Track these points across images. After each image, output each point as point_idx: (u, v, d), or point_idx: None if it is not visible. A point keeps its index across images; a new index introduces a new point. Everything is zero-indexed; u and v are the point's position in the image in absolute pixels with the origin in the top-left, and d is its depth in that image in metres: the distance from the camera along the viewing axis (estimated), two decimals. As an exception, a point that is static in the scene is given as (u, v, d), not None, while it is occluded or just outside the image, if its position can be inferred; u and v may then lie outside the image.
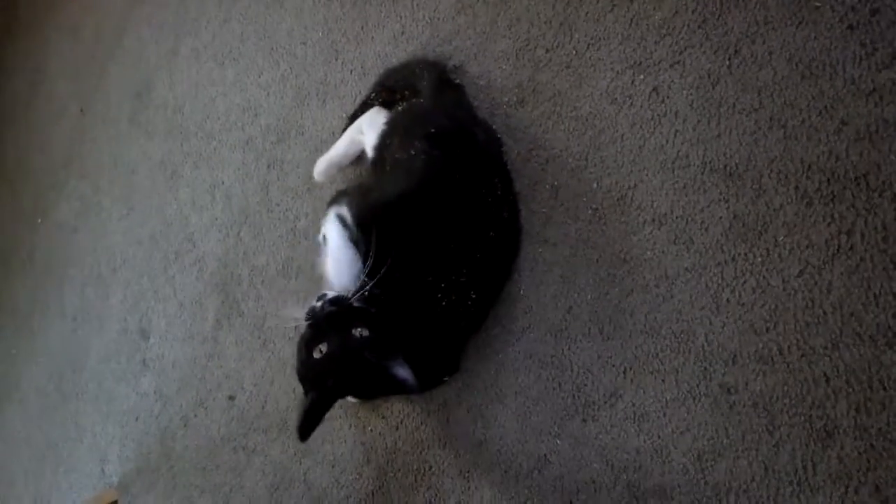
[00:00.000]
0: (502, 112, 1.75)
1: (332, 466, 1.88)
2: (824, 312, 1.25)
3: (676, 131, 1.48)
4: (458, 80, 1.84)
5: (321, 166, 2.00)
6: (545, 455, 1.54)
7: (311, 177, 2.12)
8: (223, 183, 2.45)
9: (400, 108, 1.80)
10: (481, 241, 1.58)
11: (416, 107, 1.79)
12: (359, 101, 2.03)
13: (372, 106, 1.93)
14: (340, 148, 1.95)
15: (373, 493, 1.78)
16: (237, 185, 2.40)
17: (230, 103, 2.53)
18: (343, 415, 1.89)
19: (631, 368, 1.46)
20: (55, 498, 2.73)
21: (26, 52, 3.99)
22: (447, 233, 1.57)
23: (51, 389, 2.95)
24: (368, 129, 1.82)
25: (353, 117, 1.98)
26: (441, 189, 1.59)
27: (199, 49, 2.74)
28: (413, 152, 1.62)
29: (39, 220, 3.40)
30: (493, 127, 1.75)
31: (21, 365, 3.20)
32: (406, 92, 1.88)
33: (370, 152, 1.78)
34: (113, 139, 3.07)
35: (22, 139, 3.76)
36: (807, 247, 1.29)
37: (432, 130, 1.64)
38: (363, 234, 1.61)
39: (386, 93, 1.93)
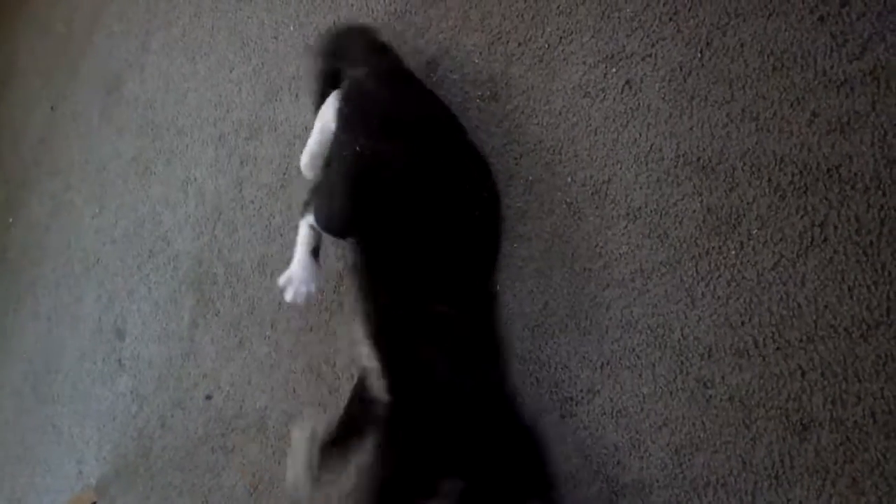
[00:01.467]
0: (475, 106, 1.74)
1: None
2: (799, 305, 1.26)
3: (649, 124, 1.47)
4: (388, 42, 1.82)
5: (305, 161, 1.98)
6: (524, 451, 1.53)
7: (284, 172, 2.10)
8: (196, 180, 2.43)
9: (343, 93, 1.74)
10: (465, 221, 1.54)
11: (355, 90, 1.72)
12: (312, 83, 1.99)
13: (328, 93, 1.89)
14: (314, 141, 1.93)
15: (351, 493, 1.78)
16: (210, 181, 2.37)
17: (202, 99, 2.50)
18: (322, 412, 1.88)
19: (608, 363, 1.45)
20: (32, 500, 2.70)
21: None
22: (426, 228, 1.52)
23: (26, 391, 2.92)
24: (331, 120, 1.79)
25: (316, 106, 1.95)
26: (401, 183, 1.54)
27: (169, 44, 2.70)
28: (358, 149, 1.57)
29: (11, 220, 3.36)
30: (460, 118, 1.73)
31: (-5, 368, 3.17)
32: (344, 62, 1.83)
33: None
34: (84, 136, 3.02)
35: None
36: (780, 240, 1.29)
37: (375, 123, 1.60)
38: (336, 235, 1.61)
39: (324, 62, 1.89)
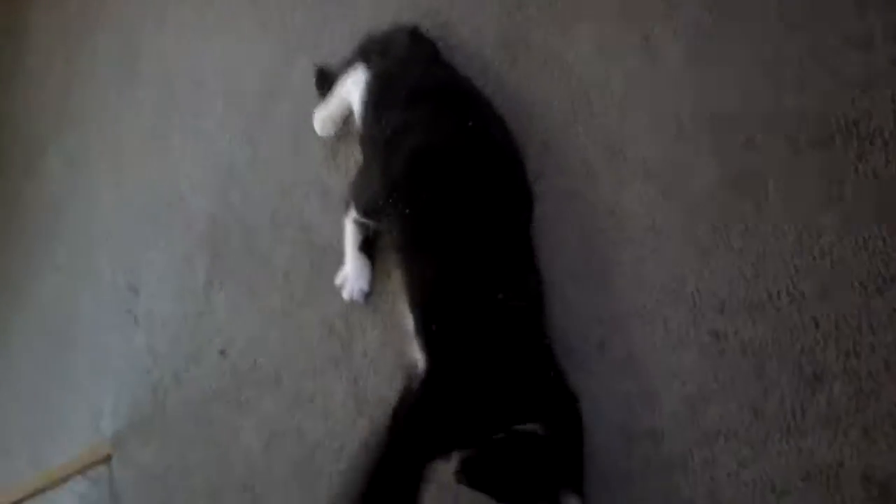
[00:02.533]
0: (494, 70, 1.75)
1: (326, 418, 1.90)
2: (814, 259, 1.27)
3: (667, 83, 1.48)
4: (427, 34, 1.84)
5: (318, 122, 2.02)
6: (536, 403, 1.55)
7: (298, 134, 2.11)
8: (212, 139, 2.44)
9: (373, 71, 1.76)
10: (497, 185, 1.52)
11: (385, 68, 1.76)
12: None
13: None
14: (332, 106, 1.95)
15: (367, 443, 1.80)
16: (225, 142, 2.38)
17: (217, 61, 2.50)
18: (335, 368, 1.90)
19: (621, 318, 1.47)
20: (49, 452, 2.73)
21: (11, 11, 3.92)
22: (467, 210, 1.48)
23: (42, 344, 2.94)
24: (353, 90, 1.81)
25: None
26: (429, 153, 1.54)
27: (186, 5, 2.70)
28: (383, 122, 1.61)
29: (28, 175, 3.37)
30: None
31: (11, 320, 3.19)
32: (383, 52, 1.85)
33: (357, 122, 1.78)
34: (100, 94, 3.03)
35: (9, 94, 3.71)
36: (797, 195, 1.30)
37: (403, 94, 1.62)
38: (376, 218, 1.65)
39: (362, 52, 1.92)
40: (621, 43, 1.55)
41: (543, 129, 1.64)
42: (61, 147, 3.19)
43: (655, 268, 1.45)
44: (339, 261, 1.93)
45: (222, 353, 2.19)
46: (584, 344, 1.50)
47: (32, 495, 2.14)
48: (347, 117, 1.95)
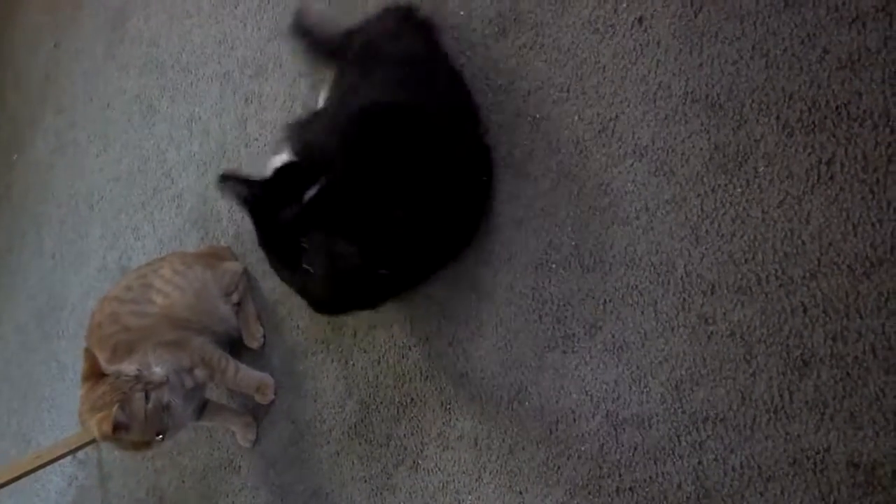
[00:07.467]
0: (482, 44, 1.72)
1: (315, 401, 1.90)
2: (803, 242, 1.26)
3: (659, 61, 1.46)
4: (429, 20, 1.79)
5: None
6: (525, 386, 1.55)
7: (289, 110, 2.10)
8: (200, 118, 2.42)
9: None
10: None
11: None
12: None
13: None
14: None
15: (355, 426, 1.80)
16: (214, 119, 2.36)
17: (206, 35, 2.48)
18: (325, 349, 1.90)
19: (610, 300, 1.46)
20: (38, 435, 2.74)
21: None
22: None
23: (31, 328, 2.94)
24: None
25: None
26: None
27: (173, -15, 2.68)
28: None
29: (15, 157, 3.35)
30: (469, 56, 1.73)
31: (1, 306, 3.19)
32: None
33: None
34: (88, 73, 3.01)
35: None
36: (787, 177, 1.28)
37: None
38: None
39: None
40: (614, 22, 1.53)
41: (535, 107, 1.62)
42: (49, 132, 3.17)
43: (647, 249, 1.43)
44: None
45: (212, 334, 2.18)
46: (576, 326, 1.50)
47: (23, 476, 2.14)
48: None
